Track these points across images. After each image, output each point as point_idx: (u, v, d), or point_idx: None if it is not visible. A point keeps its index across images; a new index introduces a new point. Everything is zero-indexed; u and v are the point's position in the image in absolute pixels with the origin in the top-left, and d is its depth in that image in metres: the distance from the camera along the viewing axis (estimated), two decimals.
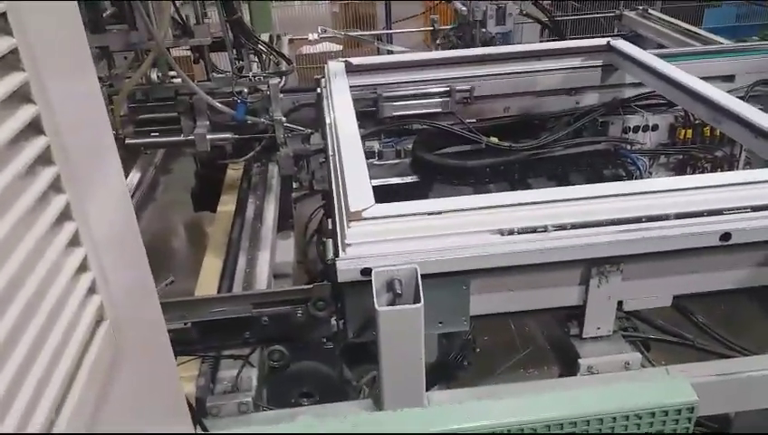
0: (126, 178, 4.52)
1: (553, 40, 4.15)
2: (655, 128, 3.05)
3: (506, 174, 3.04)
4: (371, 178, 2.75)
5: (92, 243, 0.75)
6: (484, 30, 4.08)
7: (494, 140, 2.93)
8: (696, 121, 3.00)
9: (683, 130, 3.05)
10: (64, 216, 0.72)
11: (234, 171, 2.91)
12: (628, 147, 2.99)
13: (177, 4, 2.58)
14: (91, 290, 0.75)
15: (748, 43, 3.73)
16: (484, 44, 4.09)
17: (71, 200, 0.72)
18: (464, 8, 4.19)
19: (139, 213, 4.44)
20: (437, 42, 4.60)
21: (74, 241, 0.73)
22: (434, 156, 2.98)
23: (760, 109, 2.96)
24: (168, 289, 2.11)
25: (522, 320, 2.81)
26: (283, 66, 2.61)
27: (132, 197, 4.48)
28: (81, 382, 0.73)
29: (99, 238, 0.76)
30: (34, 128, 0.70)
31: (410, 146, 3.23)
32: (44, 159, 0.70)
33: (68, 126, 0.73)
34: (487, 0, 4.09)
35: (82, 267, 0.74)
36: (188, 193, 3.45)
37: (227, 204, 2.66)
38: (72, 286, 0.72)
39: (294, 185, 3.11)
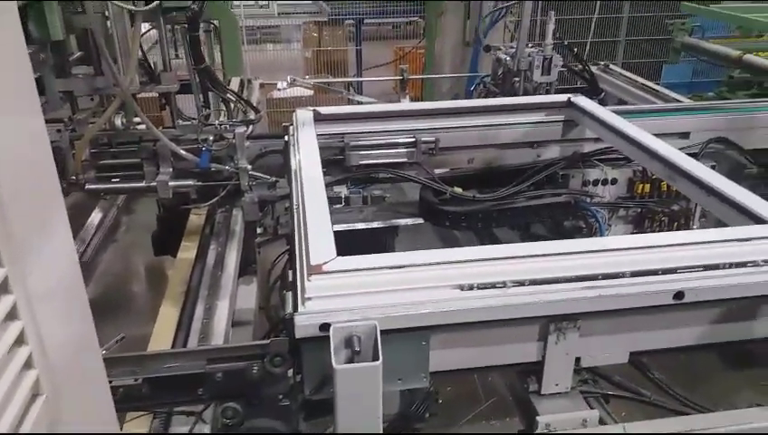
0: (87, 218, 4.44)
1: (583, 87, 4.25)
2: (614, 181, 3.13)
3: (470, 223, 3.07)
4: (338, 223, 2.76)
5: (32, 315, 0.73)
6: (528, 80, 4.17)
7: (459, 190, 2.97)
8: (654, 176, 3.09)
9: (641, 185, 3.13)
10: (2, 289, 0.70)
11: (196, 216, 2.88)
12: (588, 200, 3.06)
13: (145, 48, 2.59)
14: (28, 364, 0.73)
15: (704, 102, 3.90)
16: (526, 94, 4.18)
17: (9, 274, 0.69)
18: (507, 57, 4.29)
19: (99, 254, 4.36)
20: (406, 91, 4.70)
21: (12, 315, 0.70)
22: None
23: (713, 165, 3.09)
24: (120, 336, 2.05)
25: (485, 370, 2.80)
26: (251, 115, 2.62)
27: (92, 237, 4.40)
28: None
29: (39, 310, 0.74)
30: None
31: (377, 192, 3.26)
32: None
33: (10, 198, 0.71)
34: (533, 49, 4.21)
35: (19, 341, 0.71)
36: (150, 234, 3.39)
37: (188, 250, 2.62)
38: (7, 362, 0.69)
39: (259, 230, 3.09)
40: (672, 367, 2.35)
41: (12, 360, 0.70)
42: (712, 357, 2.40)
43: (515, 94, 4.17)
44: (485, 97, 4.49)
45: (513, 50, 4.22)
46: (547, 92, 4.15)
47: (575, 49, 4.53)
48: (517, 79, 4.19)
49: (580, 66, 4.34)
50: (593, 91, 4.16)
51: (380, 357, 1.45)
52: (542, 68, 4.11)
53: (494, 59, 4.45)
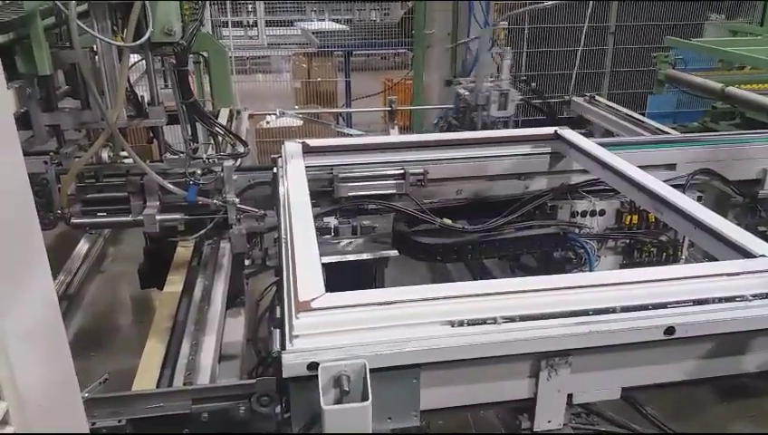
0: (73, 249, 4.38)
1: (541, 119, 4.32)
2: (602, 213, 3.14)
3: (459, 255, 3.06)
4: (327, 254, 2.74)
5: (8, 365, 0.70)
6: (485, 114, 4.21)
7: (448, 221, 2.97)
8: (641, 208, 3.11)
9: (629, 216, 3.15)
10: None
11: (184, 248, 2.85)
12: (577, 231, 3.07)
13: (133, 78, 2.59)
14: (4, 421, 0.70)
15: (689, 135, 3.95)
16: (485, 128, 4.22)
17: None
18: (466, 93, 4.32)
19: (86, 286, 4.31)
20: (395, 121, 4.73)
21: None
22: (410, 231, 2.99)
23: (700, 196, 3.11)
24: (104, 377, 2.00)
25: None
26: (239, 148, 2.61)
27: (79, 269, 4.35)
28: None
29: (16, 359, 0.71)
30: None
31: (366, 222, 3.25)
32: None
33: None
34: (491, 84, 4.25)
35: None
36: (137, 266, 3.35)
37: (175, 283, 2.59)
38: None
39: (247, 262, 3.06)
40: (664, 401, 2.33)
41: None
42: (704, 390, 2.39)
43: (474, 128, 4.21)
44: (447, 131, 4.55)
45: (473, 84, 4.27)
46: (505, 126, 4.20)
47: (533, 83, 4.61)
48: (475, 113, 4.23)
49: (539, 100, 4.41)
50: (551, 122, 4.25)
51: (370, 397, 1.43)
52: (499, 103, 4.16)
53: (454, 94, 4.50)
